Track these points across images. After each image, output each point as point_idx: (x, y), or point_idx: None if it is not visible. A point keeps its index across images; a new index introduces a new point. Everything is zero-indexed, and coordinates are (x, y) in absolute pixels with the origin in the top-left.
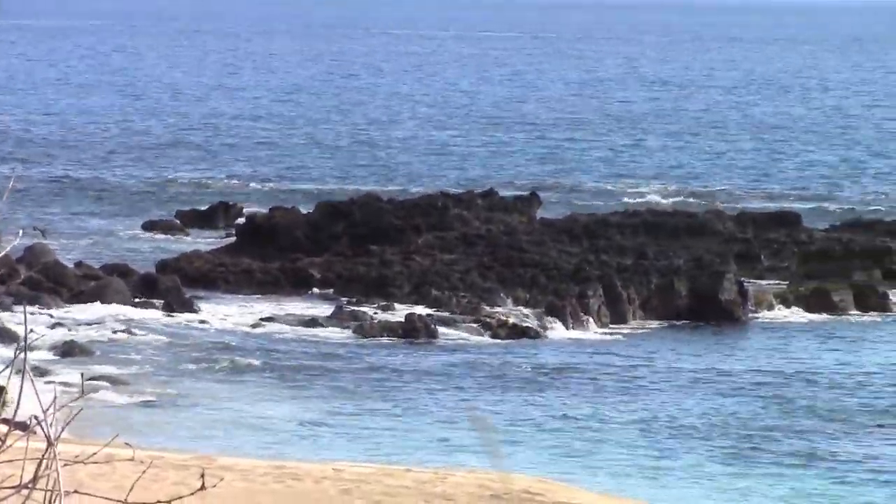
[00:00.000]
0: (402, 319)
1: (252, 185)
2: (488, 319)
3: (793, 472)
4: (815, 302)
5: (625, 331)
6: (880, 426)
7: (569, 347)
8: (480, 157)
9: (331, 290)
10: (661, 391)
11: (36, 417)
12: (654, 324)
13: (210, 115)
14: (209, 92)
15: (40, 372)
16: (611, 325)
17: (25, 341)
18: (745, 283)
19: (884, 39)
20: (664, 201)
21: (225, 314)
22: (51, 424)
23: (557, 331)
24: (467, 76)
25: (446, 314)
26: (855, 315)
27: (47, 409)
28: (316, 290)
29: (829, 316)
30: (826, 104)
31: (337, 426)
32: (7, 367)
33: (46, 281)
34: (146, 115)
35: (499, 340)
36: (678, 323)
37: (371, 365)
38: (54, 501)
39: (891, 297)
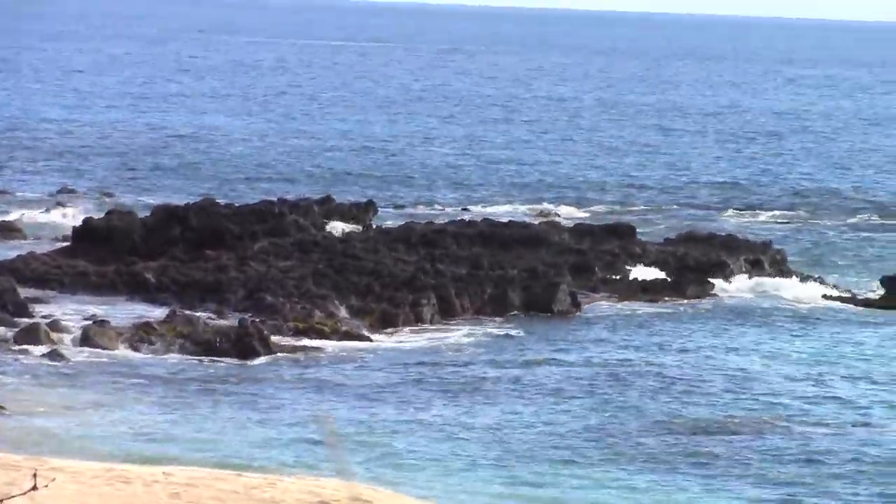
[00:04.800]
0: (236, 325)
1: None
2: (321, 326)
3: (625, 471)
4: None
5: (454, 336)
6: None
7: (401, 354)
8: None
9: (165, 295)
10: (493, 395)
11: None
12: (486, 328)
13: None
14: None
15: None
16: (442, 324)
17: None
18: (578, 295)
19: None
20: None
21: (59, 316)
22: None
23: (391, 337)
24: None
25: (279, 320)
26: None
27: None
28: (151, 293)
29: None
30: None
31: (169, 430)
32: None
33: None
34: None
35: (332, 345)
36: (500, 332)
37: (203, 369)
38: None
39: (724, 310)
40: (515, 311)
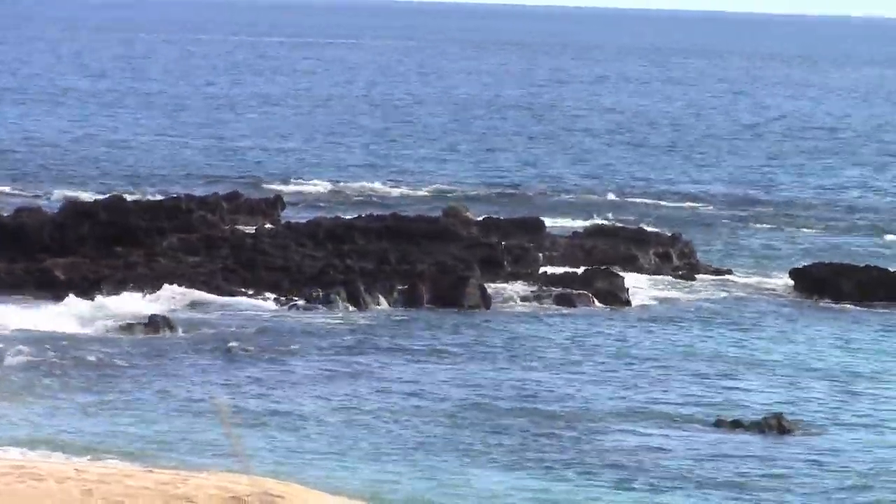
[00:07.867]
0: (146, 321)
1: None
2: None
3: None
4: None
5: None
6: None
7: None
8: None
9: (75, 292)
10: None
11: None
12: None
13: None
14: None
15: None
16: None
17: None
18: (487, 289)
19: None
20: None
21: None
22: None
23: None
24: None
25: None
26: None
27: None
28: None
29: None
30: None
31: (82, 426)
32: None
33: None
34: None
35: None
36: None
37: (114, 364)
38: None
39: (633, 303)
40: (426, 306)
